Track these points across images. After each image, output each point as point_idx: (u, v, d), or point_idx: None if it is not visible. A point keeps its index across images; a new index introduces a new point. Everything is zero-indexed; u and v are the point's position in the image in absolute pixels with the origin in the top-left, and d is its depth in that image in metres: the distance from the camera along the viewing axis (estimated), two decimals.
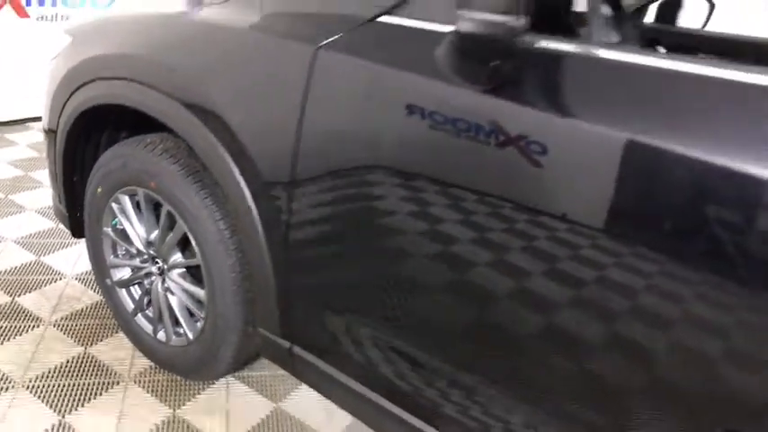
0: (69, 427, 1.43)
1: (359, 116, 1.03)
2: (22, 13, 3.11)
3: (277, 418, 1.55)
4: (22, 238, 2.23)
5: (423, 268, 1.02)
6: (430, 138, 0.93)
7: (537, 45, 0.86)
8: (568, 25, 0.97)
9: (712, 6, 2.24)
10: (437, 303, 1.03)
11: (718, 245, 0.72)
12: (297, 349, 1.29)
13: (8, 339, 1.70)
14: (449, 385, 1.07)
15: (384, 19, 1.01)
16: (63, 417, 1.46)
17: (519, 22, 0.82)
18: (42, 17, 3.17)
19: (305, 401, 1.61)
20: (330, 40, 1.04)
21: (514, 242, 0.88)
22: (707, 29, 2.25)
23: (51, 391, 1.53)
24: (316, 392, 1.34)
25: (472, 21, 0.83)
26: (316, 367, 1.27)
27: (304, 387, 1.64)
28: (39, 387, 1.55)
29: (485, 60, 0.87)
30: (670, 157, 0.75)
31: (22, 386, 1.54)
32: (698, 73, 0.79)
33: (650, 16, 2.24)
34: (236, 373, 1.67)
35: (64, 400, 1.51)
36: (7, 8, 3.05)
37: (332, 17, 1.08)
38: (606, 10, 1.22)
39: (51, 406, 1.49)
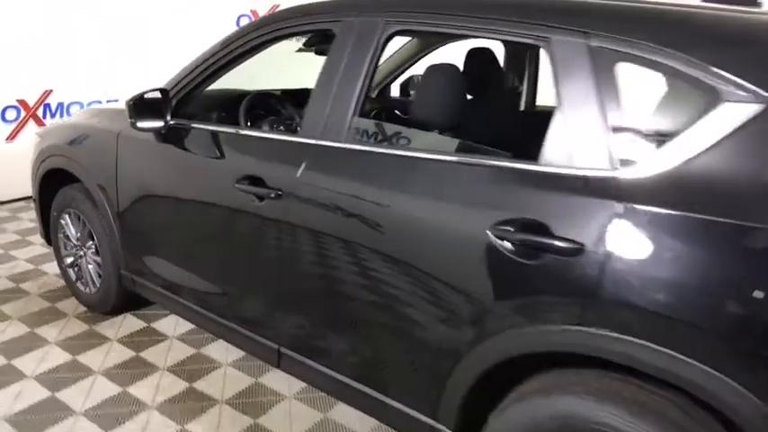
0: (37, 336, 2.79)
1: (134, 164, 2.43)
2: (40, 123, 4.74)
3: (149, 330, 2.87)
4: (30, 257, 3.69)
5: (175, 229, 2.37)
6: (153, 166, 2.32)
7: (172, 125, 2.23)
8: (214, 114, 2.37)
9: None
10: (190, 244, 2.36)
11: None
12: (134, 276, 2.63)
13: (10, 302, 3.10)
14: (214, 289, 2.34)
15: None
16: (33, 330, 2.82)
17: (165, 120, 2.20)
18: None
19: (169, 321, 2.93)
20: (122, 128, 2.44)
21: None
22: None
23: (30, 322, 2.90)
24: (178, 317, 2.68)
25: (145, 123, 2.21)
26: (143, 284, 2.61)
27: (172, 315, 2.95)
28: (24, 320, 2.92)
29: (157, 132, 2.26)
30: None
31: (17, 319, 2.92)
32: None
33: None
34: (132, 311, 3.00)
35: (36, 324, 2.87)
36: (31, 122, 4.68)
37: (122, 121, 2.48)
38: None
39: (29, 327, 2.85)
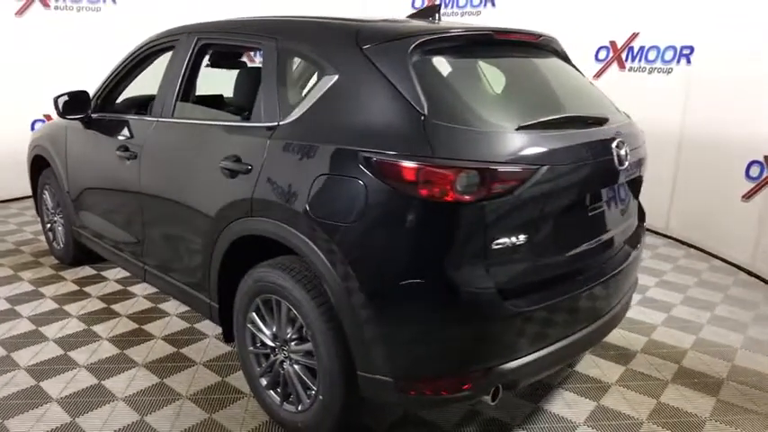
0: (17, 276, 3.81)
1: (73, 146, 3.42)
2: None
3: (97, 276, 3.84)
4: (35, 231, 4.79)
5: (91, 188, 3.34)
6: (81, 147, 3.30)
7: (93, 117, 3.20)
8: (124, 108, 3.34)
9: None
10: (96, 198, 3.32)
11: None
12: (78, 229, 3.61)
13: (8, 257, 4.17)
14: (110, 228, 3.29)
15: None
16: (16, 273, 3.86)
17: (86, 113, 3.18)
18: None
19: (114, 271, 3.89)
20: (71, 122, 3.44)
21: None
22: None
23: (16, 268, 3.94)
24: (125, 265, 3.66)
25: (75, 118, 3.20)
26: (81, 233, 3.58)
27: (118, 269, 3.91)
28: (12, 267, 3.96)
29: (84, 121, 3.23)
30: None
31: (8, 266, 3.97)
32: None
33: None
34: (91, 265, 3.98)
35: (19, 269, 3.91)
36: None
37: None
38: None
39: (14, 271, 3.89)
